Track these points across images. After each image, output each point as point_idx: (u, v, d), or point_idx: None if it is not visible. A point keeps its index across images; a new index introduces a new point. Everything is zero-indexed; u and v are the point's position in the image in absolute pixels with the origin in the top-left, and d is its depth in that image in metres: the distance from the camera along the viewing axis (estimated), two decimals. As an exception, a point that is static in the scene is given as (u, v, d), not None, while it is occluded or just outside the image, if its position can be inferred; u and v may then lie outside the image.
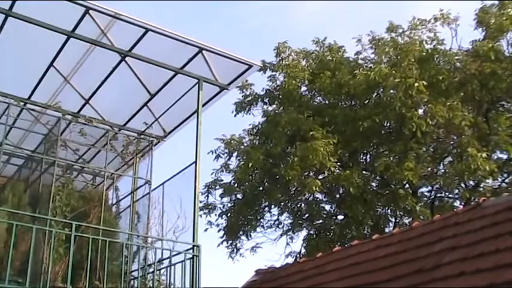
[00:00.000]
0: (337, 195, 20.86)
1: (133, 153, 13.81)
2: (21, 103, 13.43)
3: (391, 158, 19.68)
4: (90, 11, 11.31)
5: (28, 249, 10.04)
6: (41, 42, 12.38)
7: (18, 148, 14.83)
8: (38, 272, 10.25)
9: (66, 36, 11.91)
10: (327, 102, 21.18)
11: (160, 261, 11.65)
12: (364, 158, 21.34)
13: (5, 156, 13.96)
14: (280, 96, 21.67)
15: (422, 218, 17.41)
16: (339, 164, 19.45)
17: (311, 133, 18.38)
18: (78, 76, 13.48)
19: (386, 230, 19.45)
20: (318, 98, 21.68)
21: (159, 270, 11.66)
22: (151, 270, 11.78)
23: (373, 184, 20.42)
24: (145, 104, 14.01)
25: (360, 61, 21.20)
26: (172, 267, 11.37)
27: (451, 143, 19.33)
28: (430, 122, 17.64)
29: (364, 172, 19.95)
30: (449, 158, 19.73)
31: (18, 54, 12.64)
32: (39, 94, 13.73)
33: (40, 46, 12.57)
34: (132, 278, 12.27)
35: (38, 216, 11.41)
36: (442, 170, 19.85)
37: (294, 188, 19.96)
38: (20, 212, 11.00)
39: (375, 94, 19.68)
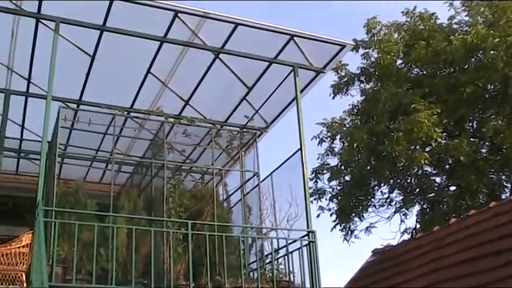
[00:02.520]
0: (447, 166, 20.39)
1: (238, 148, 13.93)
2: (125, 112, 13.84)
3: (500, 122, 19.00)
4: (179, 14, 11.49)
5: (149, 251, 10.34)
6: (136, 52, 12.73)
7: (127, 156, 15.31)
8: (161, 272, 10.53)
9: (159, 42, 12.18)
10: (424, 72, 20.69)
11: (277, 250, 11.71)
12: (470, 124, 20.71)
13: (116, 165, 14.48)
14: (377, 73, 21.35)
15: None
16: (445, 134, 18.99)
17: (413, 106, 18.03)
18: (175, 79, 13.75)
19: (503, 196, 18.83)
20: (415, 69, 21.21)
21: (277, 259, 11.73)
22: (268, 260, 11.88)
23: (484, 151, 19.79)
24: (244, 98, 14.13)
25: (454, 26, 20.55)
26: (290, 255, 11.42)
27: None
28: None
29: (472, 139, 19.35)
30: None
31: (116, 66, 13.03)
32: (140, 101, 14.12)
33: (135, 55, 12.92)
34: (251, 270, 12.42)
35: (155, 219, 11.75)
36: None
37: (401, 164, 19.61)
38: (137, 217, 11.37)
39: (475, 58, 19.04)
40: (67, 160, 15.42)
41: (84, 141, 14.42)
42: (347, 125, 21.74)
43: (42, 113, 10.43)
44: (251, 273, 12.33)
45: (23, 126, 14.97)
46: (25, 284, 10.56)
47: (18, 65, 13.12)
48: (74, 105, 13.66)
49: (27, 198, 14.11)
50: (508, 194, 19.03)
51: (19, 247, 10.94)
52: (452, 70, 19.95)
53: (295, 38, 12.31)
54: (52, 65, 10.49)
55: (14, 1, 11.13)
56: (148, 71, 13.19)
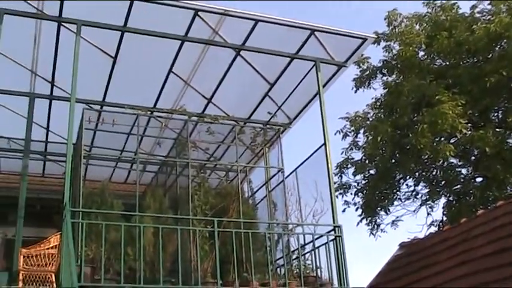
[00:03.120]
0: (473, 157, 20.20)
1: (262, 144, 13.93)
2: (149, 112, 13.90)
3: (525, 111, 18.80)
4: (199, 13, 11.52)
5: (175, 250, 10.39)
6: (157, 51, 12.77)
7: (151, 155, 15.38)
8: (188, 270, 10.58)
9: (180, 41, 12.22)
10: (447, 63, 20.51)
11: (303, 246, 11.70)
12: (495, 115, 20.48)
13: (140, 164, 14.55)
14: (399, 65, 21.21)
15: None
16: (470, 124, 18.81)
17: (437, 97, 17.88)
18: (197, 77, 13.79)
19: (531, 186, 18.65)
20: (438, 60, 21.03)
21: (303, 255, 11.72)
22: (295, 256, 11.87)
23: (510, 141, 19.56)
24: (267, 94, 14.12)
25: (477, 15, 20.34)
26: (316, 250, 11.40)
27: None
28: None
29: (498, 130, 19.15)
30: None
31: (138, 66, 13.09)
32: (163, 101, 14.18)
33: (157, 55, 12.96)
34: (278, 266, 12.43)
35: (181, 217, 11.80)
36: None
37: (426, 156, 19.44)
38: (164, 215, 11.43)
39: (498, 46, 18.84)
40: (92, 161, 15.52)
41: (109, 142, 14.53)
42: (370, 119, 21.64)
43: (66, 115, 10.52)
44: (278, 270, 12.34)
45: (47, 129, 15.11)
46: (55, 285, 10.67)
47: (41, 69, 13.24)
48: (98, 107, 13.75)
49: (54, 200, 14.30)
50: (536, 184, 18.83)
51: (48, 248, 11.07)
52: (475, 60, 19.75)
53: (316, 32, 12.28)
54: (75, 67, 10.58)
55: (35, 5, 11.23)
56: (170, 70, 13.24)
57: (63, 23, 11.47)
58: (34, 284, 10.84)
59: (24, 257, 11.02)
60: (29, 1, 11.10)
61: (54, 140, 15.55)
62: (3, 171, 17.27)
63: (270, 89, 13.98)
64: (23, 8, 11.07)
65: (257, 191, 14.41)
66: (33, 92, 13.65)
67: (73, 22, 11.15)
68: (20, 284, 10.66)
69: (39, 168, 17.06)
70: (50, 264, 11.05)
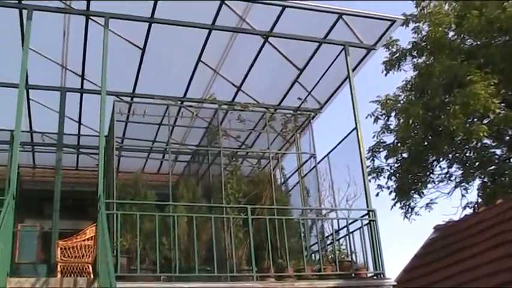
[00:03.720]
0: (507, 138, 19.90)
1: (293, 130, 13.91)
2: (179, 102, 13.95)
3: (560, 88, 18.45)
4: (226, 1, 11.52)
5: (210, 238, 10.45)
6: (185, 41, 12.79)
7: (183, 145, 15.46)
8: (223, 258, 10.62)
9: (207, 30, 12.22)
10: (478, 43, 20.17)
11: (337, 231, 11.68)
12: (530, 93, 20.16)
13: (172, 154, 14.62)
14: (429, 46, 20.93)
15: None
16: (503, 104, 18.51)
17: (468, 77, 17.62)
18: (226, 66, 13.78)
19: None
20: (469, 40, 20.69)
21: (338, 240, 11.69)
22: (329, 241, 11.86)
23: (545, 119, 19.24)
24: (296, 80, 14.08)
25: (508, -8, 20.00)
26: (351, 235, 11.37)
27: None
28: None
29: (532, 109, 18.85)
30: None
31: (167, 56, 13.14)
32: (193, 90, 14.21)
33: (185, 45, 12.99)
34: (312, 252, 12.42)
35: (214, 206, 11.85)
36: None
37: (459, 138, 19.20)
38: (197, 204, 11.48)
39: (531, 24, 18.49)
40: (124, 153, 15.66)
41: (140, 133, 14.62)
42: (401, 102, 21.42)
43: (97, 108, 10.60)
44: (312, 255, 12.34)
45: (79, 122, 15.25)
46: (92, 275, 10.79)
47: (71, 63, 13.36)
48: (128, 99, 13.82)
49: (88, 192, 14.46)
50: None
51: (84, 240, 11.18)
52: (507, 38, 19.39)
53: (343, 16, 12.20)
54: (104, 60, 10.64)
55: (63, 0, 11.32)
56: (199, 60, 13.26)
57: (91, 17, 11.55)
58: (72, 275, 10.98)
59: (61, 249, 11.16)
60: (57, -3, 11.21)
61: (86, 133, 15.70)
62: (38, 165, 17.50)
63: (299, 75, 13.94)
64: (52, 3, 11.16)
65: (289, 177, 14.41)
66: (64, 86, 13.78)
67: (101, 15, 11.23)
68: (59, 275, 10.80)
69: (73, 161, 17.25)
70: (86, 255, 11.16)
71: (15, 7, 10.92)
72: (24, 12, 10.83)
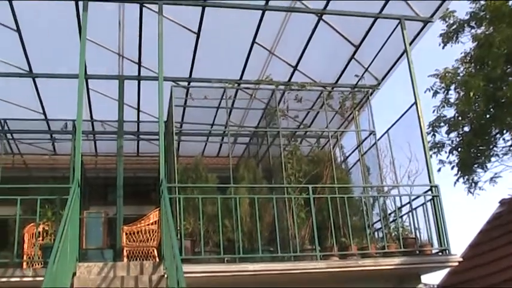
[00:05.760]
0: None
1: (352, 108, 13.77)
2: (236, 84, 13.97)
3: None
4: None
5: (272, 219, 10.46)
6: (239, 23, 12.79)
7: (241, 127, 15.50)
8: (286, 238, 10.63)
9: (261, 11, 12.19)
10: (541, 9, 19.61)
11: (400, 208, 11.54)
12: None
13: (231, 137, 14.68)
14: (488, 16, 20.41)
15: None
16: None
17: (531, 46, 17.15)
18: (281, 46, 13.72)
19: None
20: (531, 7, 20.14)
21: (401, 217, 11.56)
22: (392, 218, 11.74)
23: None
24: (352, 57, 13.93)
25: None
26: (414, 212, 11.22)
27: None
28: None
29: None
30: None
31: (222, 40, 13.14)
32: (249, 72, 14.21)
33: (239, 27, 12.98)
34: (375, 229, 12.32)
35: (275, 186, 11.86)
36: None
37: (523, 108, 18.74)
38: (258, 185, 11.51)
39: None
40: (184, 137, 15.80)
41: (198, 117, 14.71)
42: (461, 74, 20.97)
43: (155, 94, 10.68)
44: (375, 233, 12.24)
45: (138, 109, 15.44)
46: (157, 259, 10.96)
47: (127, 51, 13.51)
48: (185, 83, 13.92)
49: (149, 177, 14.65)
50: None
51: (148, 224, 11.37)
52: None
53: (399, -11, 12.00)
54: (160, 46, 10.70)
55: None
56: (253, 41, 13.24)
57: (145, 4, 11.65)
58: (138, 259, 11.19)
59: (126, 234, 11.39)
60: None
61: (146, 120, 15.89)
62: (100, 153, 17.82)
63: (355, 52, 13.79)
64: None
65: (349, 155, 14.31)
66: (122, 74, 13.95)
67: (154, 2, 11.30)
68: (125, 259, 11.03)
69: (134, 148, 17.51)
70: (151, 239, 11.37)
71: (71, -1, 11.12)
72: (80, 3, 10.98)
